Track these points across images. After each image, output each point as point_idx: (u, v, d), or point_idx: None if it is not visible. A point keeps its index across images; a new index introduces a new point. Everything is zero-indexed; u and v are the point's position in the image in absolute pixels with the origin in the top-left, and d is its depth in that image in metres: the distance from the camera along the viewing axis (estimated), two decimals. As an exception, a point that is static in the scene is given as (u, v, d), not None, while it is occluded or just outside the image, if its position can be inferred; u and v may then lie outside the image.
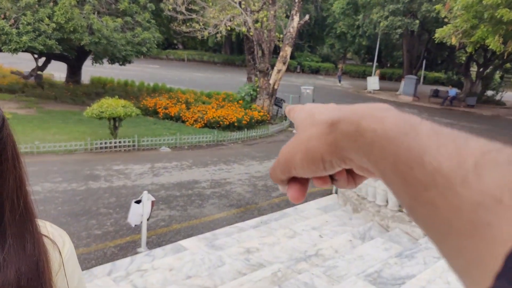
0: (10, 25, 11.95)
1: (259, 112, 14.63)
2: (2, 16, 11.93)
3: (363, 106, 0.33)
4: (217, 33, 14.52)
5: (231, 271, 4.38)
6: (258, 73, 15.34)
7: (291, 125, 14.71)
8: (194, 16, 14.86)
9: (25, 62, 19.70)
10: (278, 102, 16.12)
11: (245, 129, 12.97)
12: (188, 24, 15.12)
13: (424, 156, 0.26)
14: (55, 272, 0.81)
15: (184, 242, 5.57)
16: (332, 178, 0.37)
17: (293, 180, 0.38)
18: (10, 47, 12.00)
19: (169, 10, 14.63)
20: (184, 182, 8.31)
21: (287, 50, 14.92)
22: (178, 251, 5.30)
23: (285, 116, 15.38)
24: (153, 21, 14.90)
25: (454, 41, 14.75)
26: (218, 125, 13.35)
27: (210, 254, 5.03)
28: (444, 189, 0.25)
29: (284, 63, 15.11)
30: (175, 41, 41.42)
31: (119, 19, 13.56)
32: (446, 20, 16.05)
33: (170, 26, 16.20)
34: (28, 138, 10.26)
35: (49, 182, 7.70)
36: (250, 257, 4.76)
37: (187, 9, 14.81)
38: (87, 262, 5.08)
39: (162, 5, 14.92)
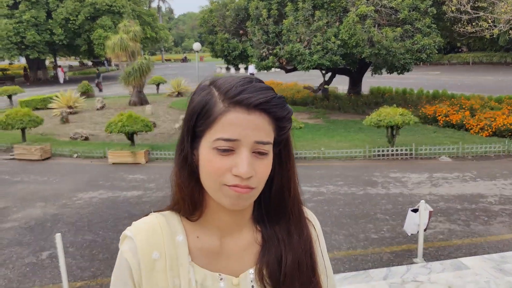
0: (304, 47, 13.83)
1: None
2: (298, 39, 13.93)
3: None
4: (510, 29, 12.67)
5: (525, 302, 3.77)
6: None
7: None
8: (481, 13, 13.46)
9: (315, 78, 22.33)
10: None
11: (548, 139, 10.82)
12: (474, 23, 13.81)
13: None
14: (314, 245, 1.00)
15: (465, 260, 5.14)
16: None
17: None
18: (303, 65, 13.89)
19: (452, 11, 13.75)
20: (467, 195, 7.63)
21: None
22: (458, 268, 4.94)
23: None
24: (434, 25, 14.31)
25: None
26: (510, 134, 11.62)
27: (498, 279, 4.47)
28: None
29: None
30: (458, 44, 38.39)
31: (399, 29, 13.66)
32: None
33: (453, 29, 15.16)
34: (316, 145, 11.60)
35: (333, 185, 8.50)
36: (552, 291, 3.98)
37: (472, 8, 13.56)
38: (364, 263, 5.36)
39: (444, 7, 14.16)
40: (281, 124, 0.85)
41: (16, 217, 7.33)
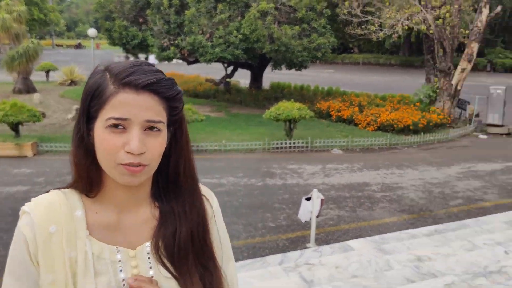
0: (206, 39, 13.81)
1: (439, 115, 13.58)
2: (200, 31, 13.87)
3: None
4: (393, 33, 14.02)
5: (399, 277, 4.26)
6: (438, 73, 14.26)
7: (477, 129, 13.23)
8: (369, 18, 14.68)
9: (218, 71, 22.41)
10: (462, 104, 14.67)
11: (422, 133, 12.22)
12: (363, 26, 15.01)
13: None
14: (209, 221, 1.07)
15: (351, 243, 5.62)
16: None
17: None
18: (205, 58, 13.87)
19: (344, 14, 14.78)
20: (354, 184, 8.33)
21: (473, 47, 13.48)
22: (345, 250, 5.38)
23: (470, 120, 13.90)
24: (328, 26, 15.25)
25: None
26: (391, 129, 12.91)
27: (378, 258, 4.97)
28: None
29: (469, 61, 13.70)
30: (350, 45, 41.40)
31: (297, 27, 14.31)
32: None
33: (345, 30, 16.32)
34: (217, 137, 11.69)
35: (233, 176, 8.67)
36: (421, 265, 4.55)
37: (362, 12, 14.72)
38: (262, 250, 5.58)
39: (337, 10, 15.16)
40: (172, 104, 0.91)
41: None
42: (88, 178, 0.94)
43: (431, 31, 13.79)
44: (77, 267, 0.90)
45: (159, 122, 0.88)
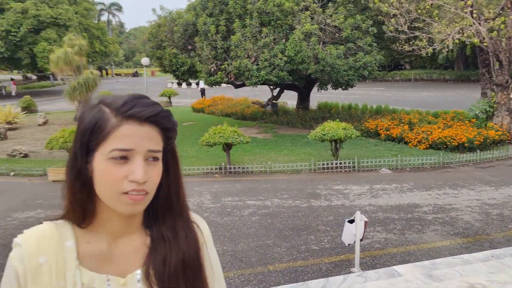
0: (252, 63, 14.04)
1: (497, 131, 12.81)
2: (246, 55, 14.13)
3: None
4: (443, 48, 13.53)
5: (448, 305, 3.98)
6: (494, 87, 13.53)
7: (540, 145, 12.33)
8: (417, 33, 14.29)
9: (267, 93, 22.66)
10: (523, 119, 13.76)
11: (478, 151, 11.56)
12: (411, 42, 14.62)
13: None
14: (200, 247, 1.06)
15: (398, 268, 5.36)
16: None
17: None
18: (251, 81, 14.07)
19: (390, 31, 14.50)
20: (403, 205, 7.99)
21: (533, 58, 12.69)
22: (392, 276, 5.13)
23: (532, 135, 13.00)
24: (374, 44, 15.01)
25: None
26: (444, 146, 12.32)
27: (427, 285, 4.70)
28: None
29: (529, 73, 12.89)
30: (402, 62, 40.41)
31: (342, 46, 14.20)
32: None
33: (392, 47, 15.97)
34: (263, 159, 11.72)
35: (277, 198, 8.61)
36: (473, 293, 4.23)
37: (410, 28, 14.37)
38: (304, 274, 5.45)
39: (384, 27, 14.90)
40: (168, 134, 0.97)
41: None
42: (83, 210, 0.96)
43: (485, 44, 13.17)
44: None
45: (159, 151, 0.93)
